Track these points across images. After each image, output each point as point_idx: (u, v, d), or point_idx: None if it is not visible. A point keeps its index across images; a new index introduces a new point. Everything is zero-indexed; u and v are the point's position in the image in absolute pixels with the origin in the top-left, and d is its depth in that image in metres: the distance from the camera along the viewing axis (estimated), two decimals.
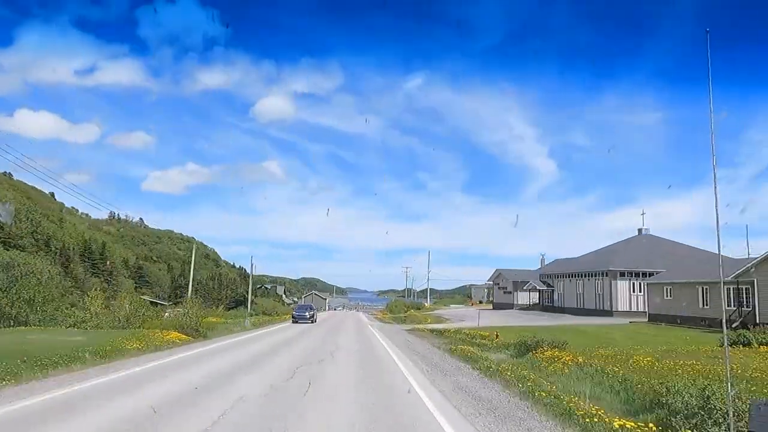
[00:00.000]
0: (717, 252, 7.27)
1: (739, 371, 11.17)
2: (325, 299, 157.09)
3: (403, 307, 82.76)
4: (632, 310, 47.03)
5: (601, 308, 49.13)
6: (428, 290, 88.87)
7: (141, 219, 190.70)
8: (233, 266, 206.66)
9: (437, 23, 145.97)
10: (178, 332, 21.90)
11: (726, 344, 7.30)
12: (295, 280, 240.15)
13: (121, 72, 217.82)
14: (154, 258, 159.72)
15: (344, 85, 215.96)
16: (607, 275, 49.17)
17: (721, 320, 7.61)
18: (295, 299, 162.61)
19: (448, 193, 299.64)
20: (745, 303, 32.17)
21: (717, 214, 6.63)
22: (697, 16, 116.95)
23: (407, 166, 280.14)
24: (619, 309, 47.74)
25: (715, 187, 6.66)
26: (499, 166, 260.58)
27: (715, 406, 6.87)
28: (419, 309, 79.48)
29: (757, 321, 29.39)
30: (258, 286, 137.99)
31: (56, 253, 75.21)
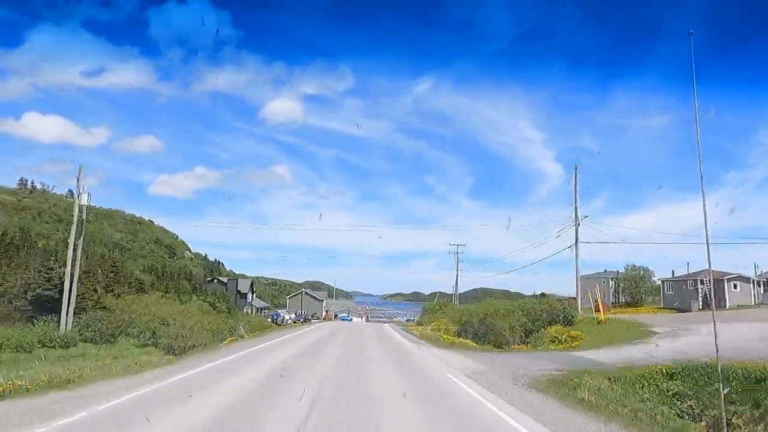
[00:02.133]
0: None
1: None
2: (322, 301, 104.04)
3: (527, 318, 29.78)
4: None
5: None
6: (578, 285, 35.00)
7: (70, 191, 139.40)
8: (205, 259, 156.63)
9: (445, 27, 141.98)
10: None
11: None
12: (298, 284, 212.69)
13: (130, 75, 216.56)
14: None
15: (353, 89, 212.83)
16: None
17: None
18: (287, 300, 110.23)
19: (455, 197, 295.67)
20: None
21: (705, 212, 7.48)
22: (707, 17, 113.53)
23: (414, 170, 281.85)
24: None
25: (702, 186, 7.45)
26: (507, 169, 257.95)
27: None
28: (570, 324, 27.07)
29: None
30: (209, 279, 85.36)
31: None
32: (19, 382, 9.93)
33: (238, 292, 77.89)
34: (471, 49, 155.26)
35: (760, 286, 47.76)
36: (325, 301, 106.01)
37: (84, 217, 27.47)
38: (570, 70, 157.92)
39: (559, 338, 23.16)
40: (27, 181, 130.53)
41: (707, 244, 7.09)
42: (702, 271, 48.42)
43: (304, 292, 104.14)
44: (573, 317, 28.36)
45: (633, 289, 57.43)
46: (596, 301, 37.38)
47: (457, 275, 70.93)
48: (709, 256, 6.98)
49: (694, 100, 7.17)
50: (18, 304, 28.30)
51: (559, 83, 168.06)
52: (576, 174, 39.28)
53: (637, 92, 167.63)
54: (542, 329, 27.06)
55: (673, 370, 12.59)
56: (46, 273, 30.32)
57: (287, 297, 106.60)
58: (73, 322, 25.95)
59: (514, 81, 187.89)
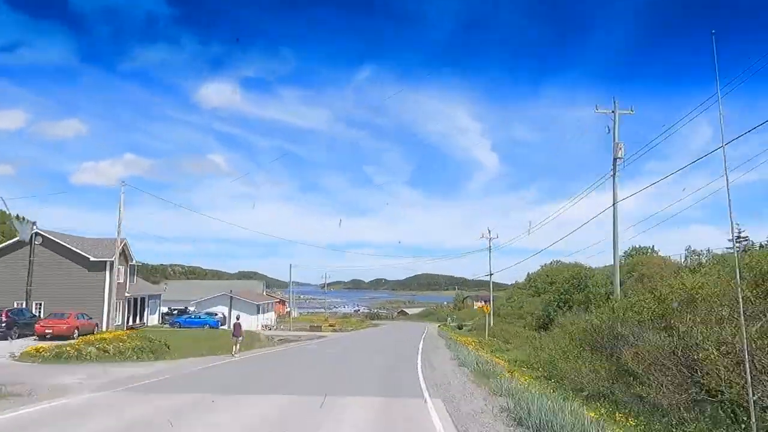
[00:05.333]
0: None
1: None
2: (104, 271, 28.88)
3: None
4: None
5: None
6: None
7: None
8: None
9: (387, 16, 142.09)
10: None
11: None
12: (230, 274, 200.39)
13: (51, 53, 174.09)
14: None
15: (293, 76, 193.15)
16: None
17: None
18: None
19: (394, 187, 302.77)
20: None
21: (730, 214, 7.30)
22: (634, 16, 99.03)
23: (354, 160, 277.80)
24: None
25: (727, 185, 7.24)
26: (444, 159, 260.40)
27: None
28: None
29: None
30: None
31: None
32: None
33: None
34: (412, 39, 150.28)
35: None
36: (117, 273, 31.12)
37: None
38: (506, 63, 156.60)
39: None
40: None
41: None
42: None
43: (37, 234, 28.21)
44: None
45: None
46: None
47: None
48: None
49: (718, 100, 6.81)
50: None
51: (495, 76, 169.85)
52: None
53: (567, 85, 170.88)
54: None
55: None
56: None
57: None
58: None
59: (452, 73, 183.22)
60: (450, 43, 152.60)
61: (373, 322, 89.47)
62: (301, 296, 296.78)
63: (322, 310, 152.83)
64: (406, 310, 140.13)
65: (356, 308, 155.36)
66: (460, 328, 65.03)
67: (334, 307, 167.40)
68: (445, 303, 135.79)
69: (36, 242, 31.27)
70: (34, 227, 31.50)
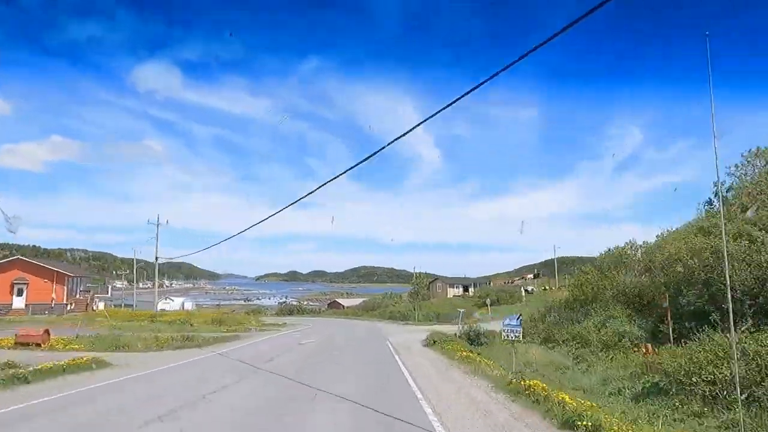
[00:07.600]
0: None
1: None
2: None
3: None
4: None
5: None
6: None
7: None
8: None
9: (336, 8, 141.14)
10: None
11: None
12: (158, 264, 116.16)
13: None
14: None
15: (235, 66, 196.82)
16: None
17: None
18: None
19: (337, 180, 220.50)
20: None
21: (722, 204, 7.48)
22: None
23: (296, 152, 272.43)
24: None
25: (721, 197, 8.87)
26: (387, 153, 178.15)
27: None
28: None
29: None
30: None
31: None
32: None
33: None
34: (358, 33, 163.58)
35: None
36: None
37: None
38: (452, 59, 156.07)
39: None
40: None
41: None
42: None
43: None
44: None
45: None
46: None
47: None
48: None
49: (711, 100, 6.45)
50: None
51: (441, 72, 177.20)
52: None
53: (510, 86, 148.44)
54: None
55: None
56: None
57: None
58: None
59: (399, 68, 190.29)
60: (398, 40, 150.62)
61: (265, 323, 44.65)
62: (226, 287, 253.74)
63: (242, 301, 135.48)
64: (341, 301, 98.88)
65: (282, 300, 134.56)
66: (473, 342, 22.83)
67: (257, 298, 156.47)
68: (390, 293, 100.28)
69: None
70: None
